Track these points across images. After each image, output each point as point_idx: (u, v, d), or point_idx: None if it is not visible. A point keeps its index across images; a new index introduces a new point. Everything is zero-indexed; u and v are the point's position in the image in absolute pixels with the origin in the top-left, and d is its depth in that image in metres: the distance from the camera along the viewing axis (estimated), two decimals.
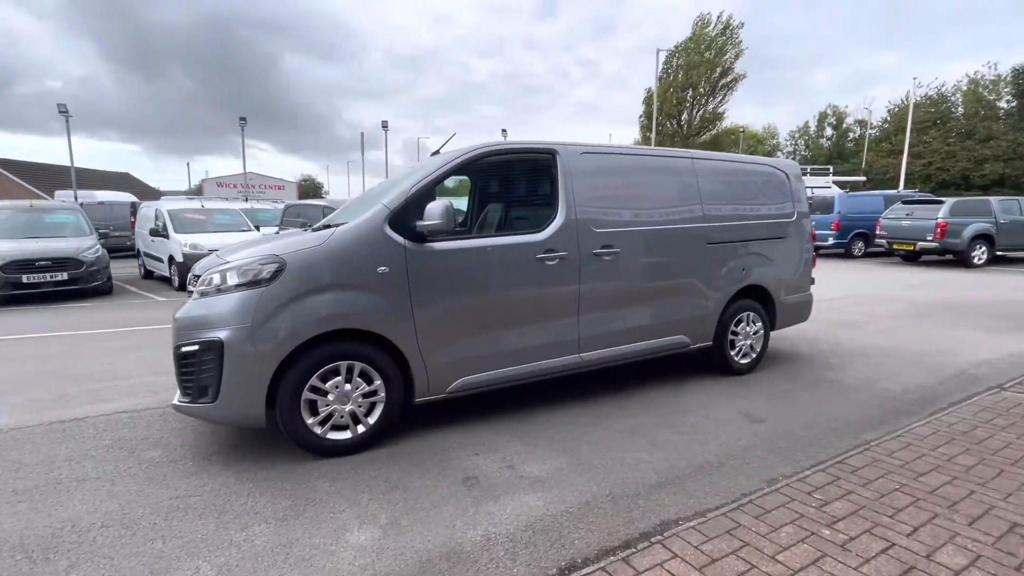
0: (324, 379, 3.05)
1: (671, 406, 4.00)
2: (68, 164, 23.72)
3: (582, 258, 3.75)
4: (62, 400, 4.11)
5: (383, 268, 3.12)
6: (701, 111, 40.22)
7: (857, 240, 15.86)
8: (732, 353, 4.67)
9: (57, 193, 22.91)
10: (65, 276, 8.96)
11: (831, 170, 31.63)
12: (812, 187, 18.62)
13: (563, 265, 3.68)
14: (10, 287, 8.61)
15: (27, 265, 8.71)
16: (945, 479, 2.83)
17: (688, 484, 2.82)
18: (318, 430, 3.06)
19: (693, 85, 38.91)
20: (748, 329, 4.74)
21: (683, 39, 39.12)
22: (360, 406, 3.16)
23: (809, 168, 20.81)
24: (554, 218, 3.72)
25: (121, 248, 15.81)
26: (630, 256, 3.98)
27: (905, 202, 14.51)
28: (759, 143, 49.32)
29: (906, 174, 29.75)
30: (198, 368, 2.88)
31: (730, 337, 4.64)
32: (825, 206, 15.94)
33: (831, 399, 4.16)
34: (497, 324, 3.52)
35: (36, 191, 28.95)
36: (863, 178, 32.62)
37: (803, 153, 49.36)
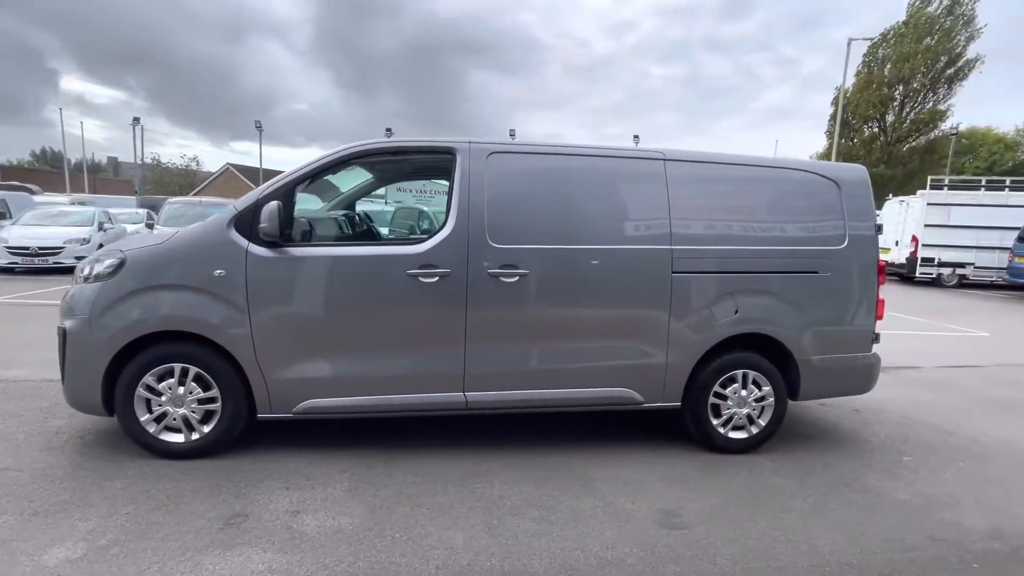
0: (161, 378, 3.01)
1: (578, 476, 3.10)
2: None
3: (472, 278, 3.10)
4: None
5: (219, 271, 2.96)
6: (914, 110, 32.45)
7: None
8: (715, 422, 3.46)
9: None
10: None
11: None
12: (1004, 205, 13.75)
13: (445, 285, 3.09)
14: None
15: None
16: None
17: None
18: (151, 428, 3.03)
19: (904, 80, 31.55)
20: (744, 393, 3.46)
21: (891, 26, 31.92)
22: (194, 412, 3.05)
23: (984, 180, 14.90)
24: (441, 228, 3.15)
25: None
26: (543, 280, 3.18)
27: None
28: (1008, 149, 37.81)
29: None
30: (59, 351, 3.07)
31: (712, 400, 3.44)
32: None
33: (839, 518, 2.78)
34: (355, 345, 3.10)
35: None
36: None
37: None
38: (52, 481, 2.77)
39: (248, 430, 3.21)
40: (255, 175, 34.27)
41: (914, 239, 14.40)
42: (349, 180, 4.60)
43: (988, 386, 5.36)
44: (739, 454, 3.49)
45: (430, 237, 3.14)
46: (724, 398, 3.45)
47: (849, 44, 26.08)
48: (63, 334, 2.97)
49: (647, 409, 3.44)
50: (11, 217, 12.41)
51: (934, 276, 14.44)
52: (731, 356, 3.42)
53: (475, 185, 3.15)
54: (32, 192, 19.44)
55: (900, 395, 4.94)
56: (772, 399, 3.49)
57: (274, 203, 2.88)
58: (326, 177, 4.68)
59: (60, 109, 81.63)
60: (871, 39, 30.41)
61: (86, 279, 3.01)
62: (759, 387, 3.48)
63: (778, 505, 2.90)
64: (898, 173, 31.71)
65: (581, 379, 3.29)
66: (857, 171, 3.66)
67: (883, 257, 3.58)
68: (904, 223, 14.88)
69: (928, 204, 14.16)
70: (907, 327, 8.64)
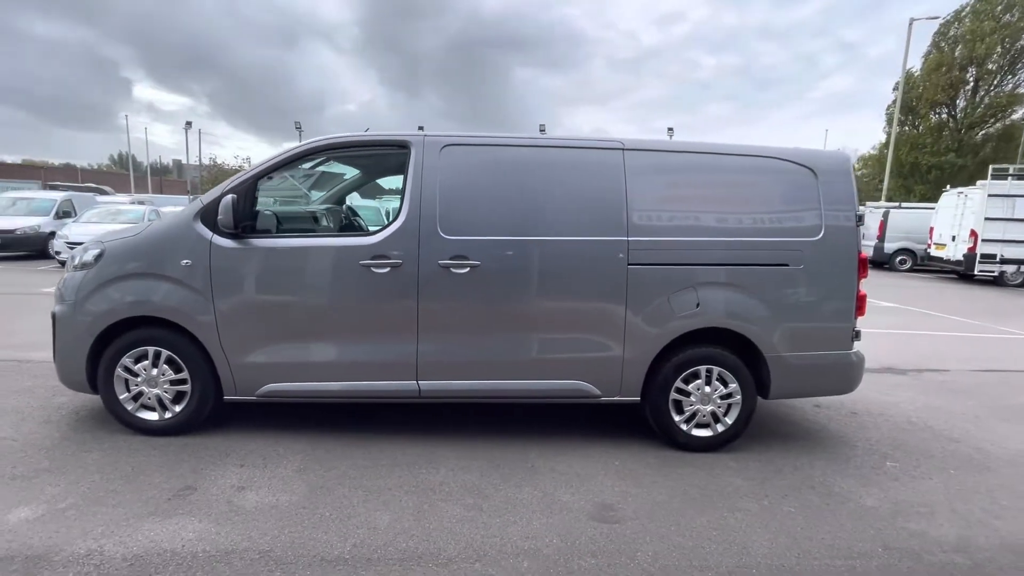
0: (138, 360, 3.25)
1: (528, 467, 3.10)
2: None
3: (423, 269, 3.16)
4: None
5: (186, 261, 3.15)
6: (989, 94, 29.73)
7: None
8: (677, 419, 3.37)
9: None
10: None
11: None
12: None
13: (396, 275, 3.16)
14: None
15: None
16: None
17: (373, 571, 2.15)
18: (129, 406, 3.28)
19: (978, 61, 28.94)
20: (707, 390, 3.35)
21: (965, 2, 29.30)
22: (167, 392, 3.27)
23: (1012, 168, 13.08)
24: (395, 220, 3.22)
25: None
26: (494, 272, 3.19)
27: None
28: None
29: None
30: (52, 333, 3.37)
31: (675, 396, 3.35)
32: None
33: (789, 522, 2.65)
34: (312, 333, 3.23)
35: None
36: None
37: None
38: (39, 450, 3.06)
39: (221, 411, 3.41)
40: None
41: (973, 234, 13.25)
42: (344, 175, 4.78)
43: (1015, 393, 4.90)
44: (702, 452, 3.38)
45: (384, 228, 3.22)
46: (687, 394, 3.35)
47: (911, 25, 24.28)
48: (53, 318, 3.26)
49: (606, 403, 3.39)
50: (75, 215, 13.59)
51: (995, 274, 13.24)
52: (694, 351, 3.32)
53: (428, 177, 3.20)
54: (105, 193, 21.28)
55: (912, 399, 4.61)
56: (739, 397, 3.35)
57: (229, 196, 3.05)
58: (330, 171, 4.90)
59: (126, 116, 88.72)
60: (936, 18, 28.07)
61: (75, 268, 3.28)
62: (725, 384, 3.35)
63: (726, 505, 2.80)
64: (969, 162, 29.22)
65: (535, 371, 3.29)
66: (837, 158, 3.44)
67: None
68: (962, 217, 13.72)
69: (989, 196, 12.97)
70: (947, 328, 8.02)
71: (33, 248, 12.95)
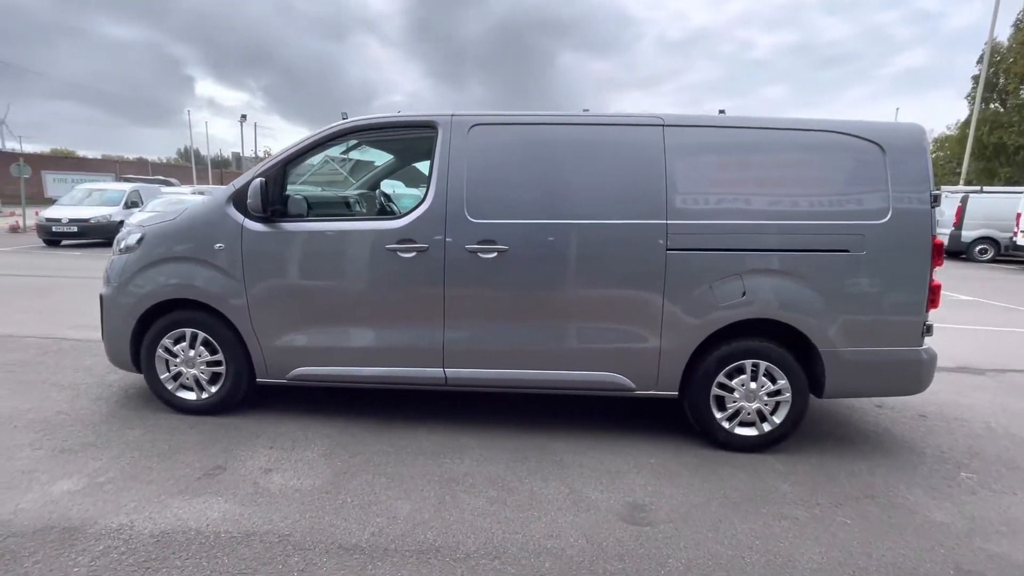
0: (177, 342, 3.35)
1: (556, 460, 2.97)
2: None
3: (449, 254, 3.07)
4: None
5: (219, 245, 3.19)
6: None
7: None
8: (719, 416, 3.14)
9: None
10: None
11: None
12: None
13: (422, 260, 3.09)
14: None
15: None
16: None
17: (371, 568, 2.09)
18: (170, 386, 3.39)
19: None
20: (753, 386, 3.09)
21: None
22: (203, 373, 3.35)
23: None
24: (421, 204, 3.14)
25: None
26: (523, 257, 3.05)
27: None
28: None
29: None
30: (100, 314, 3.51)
31: (716, 391, 3.12)
32: None
33: (844, 534, 2.41)
34: (340, 318, 3.21)
35: None
36: None
37: None
38: (87, 425, 3.21)
39: (255, 393, 3.47)
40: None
41: None
42: (374, 161, 4.76)
43: None
44: (746, 453, 3.14)
45: (410, 212, 3.15)
46: (730, 390, 3.11)
47: None
48: (100, 300, 3.40)
49: (641, 397, 3.20)
50: (142, 205, 14.47)
51: None
52: (738, 344, 3.07)
53: (455, 159, 3.09)
54: (170, 184, 22.76)
55: (991, 402, 4.14)
56: (789, 395, 3.08)
57: (258, 180, 3.05)
58: (363, 159, 4.89)
59: (188, 112, 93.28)
60: None
61: (120, 251, 3.40)
62: (773, 380, 3.09)
63: (771, 511, 2.57)
64: None
65: (565, 361, 3.14)
66: (909, 132, 3.06)
67: None
68: None
69: None
70: None
71: (105, 236, 13.88)
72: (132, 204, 14.80)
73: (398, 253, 3.09)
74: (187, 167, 51.99)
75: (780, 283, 3.01)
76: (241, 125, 34.09)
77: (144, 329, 3.34)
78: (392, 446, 3.09)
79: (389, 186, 9.08)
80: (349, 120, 3.23)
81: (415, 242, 3.08)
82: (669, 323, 3.04)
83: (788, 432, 3.14)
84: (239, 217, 3.20)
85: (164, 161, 61.06)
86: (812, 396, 3.16)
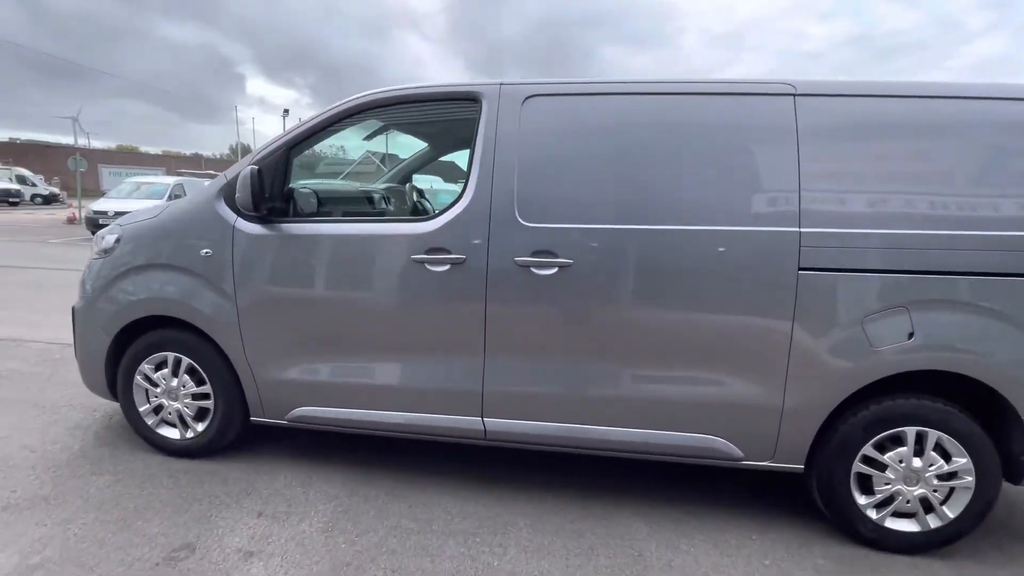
0: (159, 367, 2.73)
1: (635, 556, 2.16)
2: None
3: (493, 268, 2.30)
4: None
5: (206, 251, 2.54)
6: None
7: None
8: (863, 502, 2.24)
9: None
10: None
11: None
12: None
13: (457, 275, 2.33)
14: None
15: None
16: None
17: None
18: (150, 420, 2.78)
19: None
20: (917, 464, 2.18)
21: None
22: (188, 407, 2.72)
23: None
24: (458, 201, 2.38)
25: None
26: (592, 274, 2.25)
27: None
28: None
29: None
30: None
31: (859, 469, 2.22)
32: None
33: None
34: (352, 347, 2.50)
35: None
36: None
37: None
38: (49, 468, 2.63)
39: (251, 432, 2.83)
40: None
41: None
42: (407, 151, 4.04)
43: None
44: (900, 555, 2.23)
45: (442, 212, 2.39)
46: (881, 467, 2.21)
47: None
48: (72, 313, 2.82)
49: (751, 469, 2.34)
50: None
51: None
52: (896, 404, 2.16)
53: (504, 141, 2.31)
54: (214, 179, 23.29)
55: None
56: (971, 478, 2.15)
57: (249, 169, 2.36)
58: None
59: (236, 108, 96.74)
60: None
61: (96, 254, 2.81)
62: (947, 457, 2.16)
63: None
64: None
65: (646, 417, 2.32)
66: None
67: None
68: None
69: None
70: None
71: None
72: (176, 197, 14.87)
73: (426, 266, 2.35)
74: (237, 162, 53.81)
75: (966, 320, 2.08)
76: (284, 120, 34.30)
77: (122, 351, 2.74)
78: (414, 520, 2.35)
79: (426, 181, 8.28)
80: (366, 93, 2.49)
81: (448, 251, 2.32)
82: (797, 372, 2.16)
83: (968, 529, 2.20)
84: (230, 216, 2.53)
85: (217, 157, 63.43)
86: (1005, 482, 2.22)
